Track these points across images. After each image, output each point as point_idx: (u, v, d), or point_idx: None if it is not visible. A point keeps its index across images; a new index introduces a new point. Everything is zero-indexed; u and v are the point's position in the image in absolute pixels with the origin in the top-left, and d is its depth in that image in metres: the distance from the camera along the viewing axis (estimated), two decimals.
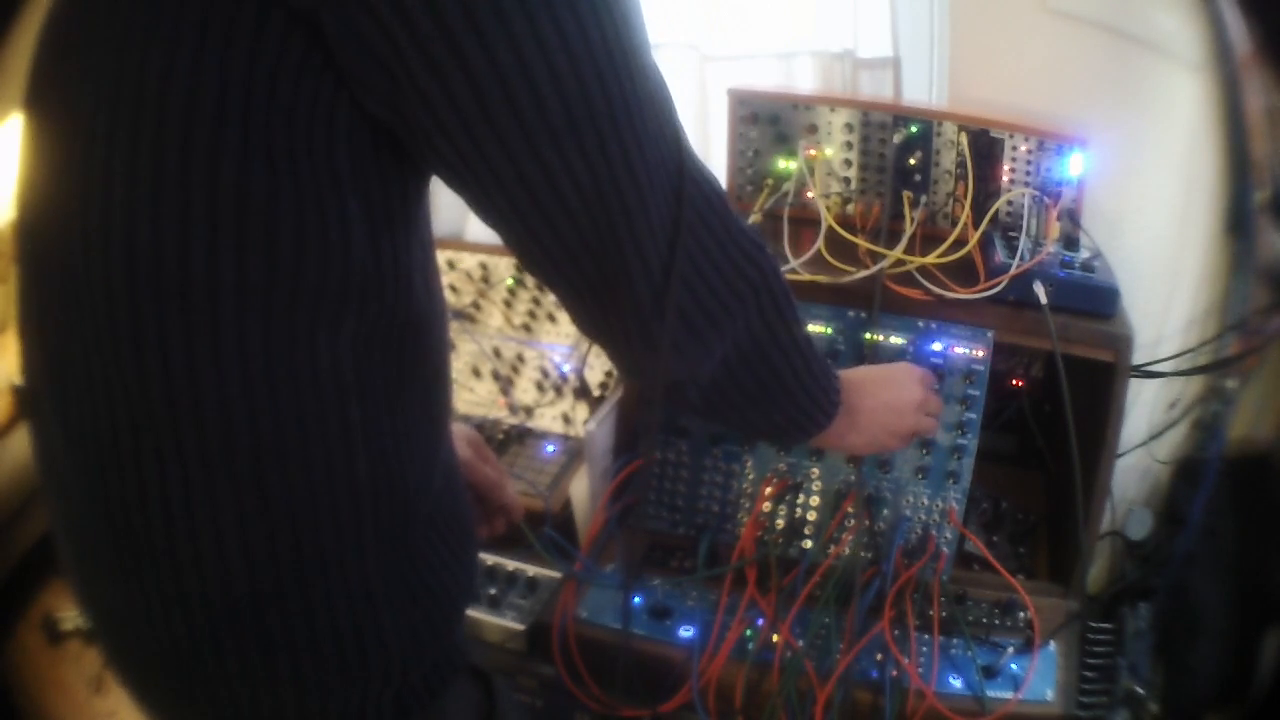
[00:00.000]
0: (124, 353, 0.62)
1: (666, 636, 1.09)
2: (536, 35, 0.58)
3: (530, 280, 1.55)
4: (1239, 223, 1.27)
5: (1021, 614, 1.10)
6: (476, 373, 1.52)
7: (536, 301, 1.54)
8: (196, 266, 0.60)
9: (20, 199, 0.68)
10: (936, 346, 1.18)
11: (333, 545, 0.69)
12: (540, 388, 1.49)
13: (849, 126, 1.30)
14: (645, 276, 0.70)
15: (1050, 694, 1.02)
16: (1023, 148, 1.23)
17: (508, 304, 1.55)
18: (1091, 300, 1.15)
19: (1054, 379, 1.12)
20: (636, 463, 1.22)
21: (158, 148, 0.58)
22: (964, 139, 1.24)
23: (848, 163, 1.32)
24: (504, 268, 1.56)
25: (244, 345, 0.62)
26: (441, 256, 1.56)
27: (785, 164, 1.32)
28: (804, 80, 1.51)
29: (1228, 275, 1.28)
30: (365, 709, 0.73)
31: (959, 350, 1.18)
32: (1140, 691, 1.10)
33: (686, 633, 1.08)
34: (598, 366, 1.46)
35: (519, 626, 1.12)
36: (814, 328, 1.20)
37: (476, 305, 1.56)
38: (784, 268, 1.07)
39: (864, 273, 1.17)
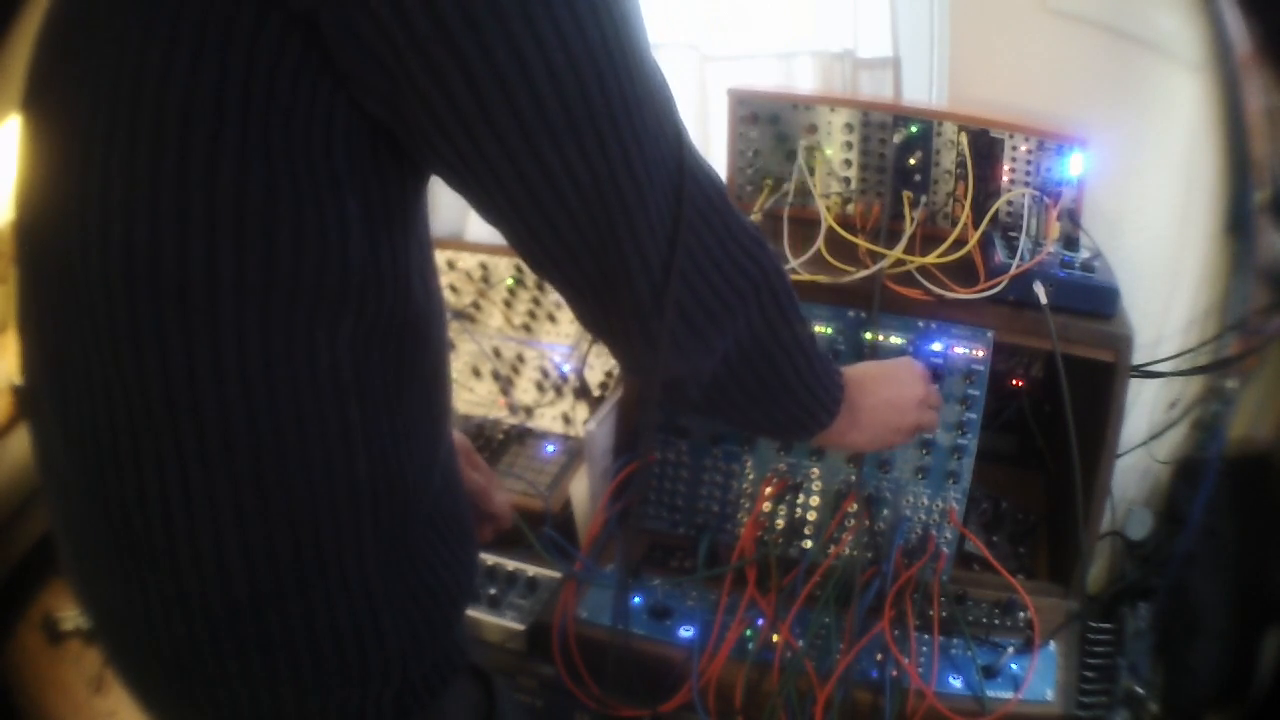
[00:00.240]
0: (123, 352, 0.62)
1: (666, 636, 1.09)
2: (535, 34, 0.58)
3: (530, 280, 1.55)
4: (1239, 223, 1.27)
5: (1021, 614, 1.10)
6: (476, 373, 1.52)
7: (536, 301, 1.54)
8: (195, 266, 0.60)
9: (19, 199, 0.68)
10: (936, 346, 1.18)
11: (332, 545, 0.69)
12: (540, 388, 1.49)
13: (849, 126, 1.30)
14: (645, 274, 0.70)
15: (1050, 694, 1.02)
16: (1023, 148, 1.23)
17: (508, 304, 1.55)
18: (1091, 300, 1.15)
19: (1054, 379, 1.12)
20: (637, 463, 1.22)
21: (156, 148, 0.59)
22: (964, 139, 1.24)
23: (848, 163, 1.32)
24: (504, 268, 1.56)
25: (243, 345, 0.62)
26: (441, 256, 1.56)
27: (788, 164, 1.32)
28: (804, 80, 1.51)
29: (1228, 275, 1.28)
30: (365, 708, 0.73)
31: (959, 350, 1.18)
32: (1140, 691, 1.10)
33: (686, 633, 1.09)
34: (598, 366, 1.46)
35: (519, 626, 1.12)
36: (814, 327, 1.20)
37: (476, 305, 1.56)
38: (784, 268, 1.07)
39: (864, 273, 1.17)
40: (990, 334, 1.17)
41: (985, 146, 1.24)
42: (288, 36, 0.57)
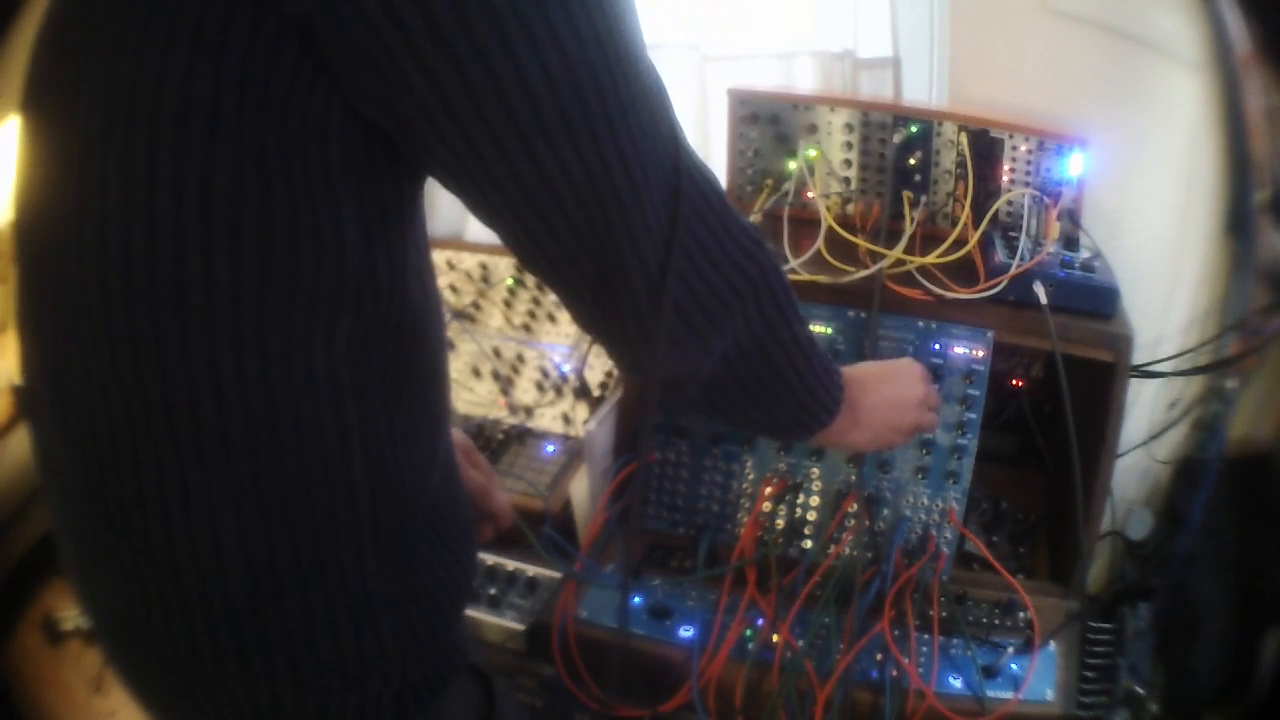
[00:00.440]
0: (120, 354, 0.62)
1: (666, 636, 1.09)
2: (529, 34, 0.58)
3: (530, 280, 1.55)
4: (1239, 223, 1.27)
5: (1021, 614, 1.10)
6: (476, 373, 1.52)
7: (536, 301, 1.54)
8: (191, 268, 0.60)
9: (18, 200, 0.68)
10: (936, 346, 1.18)
11: (331, 546, 0.69)
12: (540, 388, 1.49)
13: (849, 126, 1.30)
14: (642, 274, 0.70)
15: (1050, 694, 1.02)
16: (1023, 148, 1.23)
17: (508, 304, 1.55)
18: (1091, 300, 1.15)
19: (1054, 379, 1.12)
20: (636, 463, 1.22)
21: (152, 150, 0.59)
22: (964, 139, 1.24)
23: (848, 163, 1.32)
24: (504, 268, 1.56)
25: (239, 346, 0.62)
26: (441, 256, 1.56)
27: (788, 164, 1.32)
28: (804, 80, 1.51)
29: (1228, 275, 1.28)
30: (364, 709, 0.73)
31: (959, 350, 1.18)
32: (1140, 691, 1.10)
33: (686, 633, 1.09)
34: (598, 366, 1.46)
35: (519, 626, 1.12)
36: (814, 328, 1.20)
37: (476, 305, 1.56)
38: (784, 268, 1.07)
39: (864, 273, 1.17)
40: (990, 334, 1.17)
41: (985, 146, 1.24)
42: (283, 39, 0.57)
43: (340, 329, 0.65)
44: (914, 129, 1.28)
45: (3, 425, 1.45)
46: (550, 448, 1.42)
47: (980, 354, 1.18)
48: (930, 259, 1.18)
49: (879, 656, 1.04)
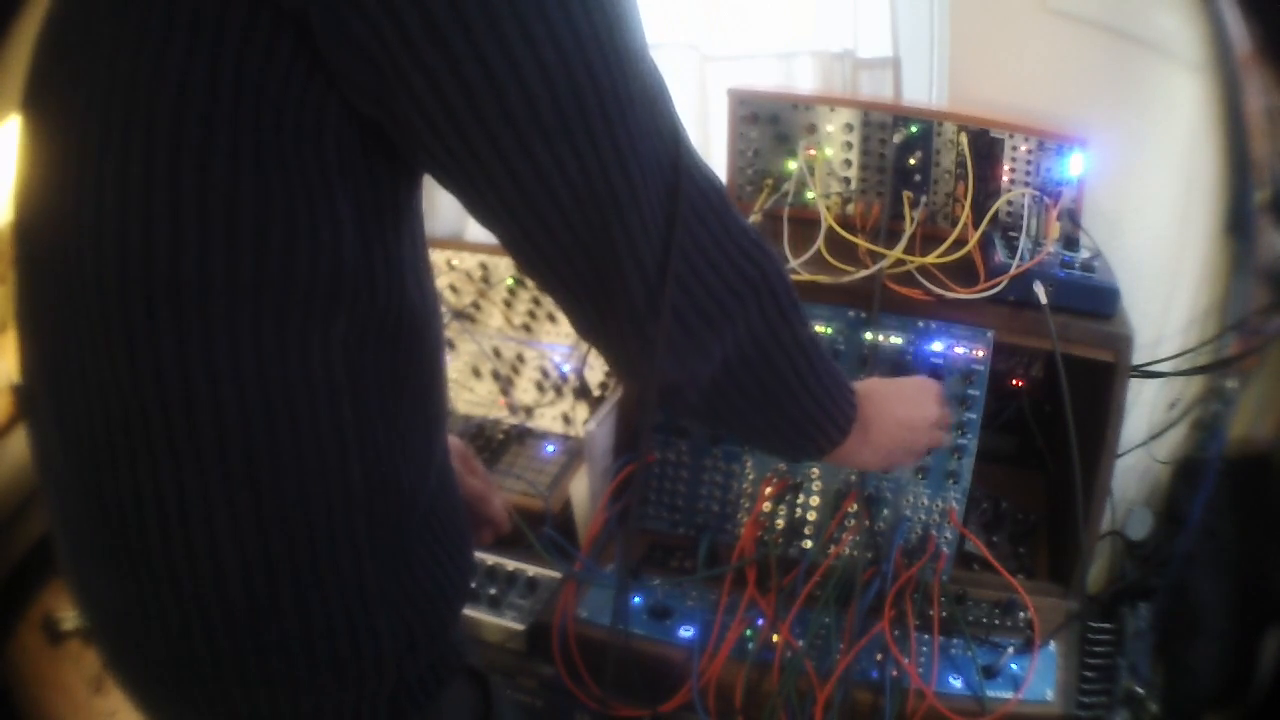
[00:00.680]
0: (117, 353, 0.62)
1: (666, 636, 1.09)
2: (525, 31, 0.58)
3: (530, 280, 1.55)
4: (1239, 223, 1.27)
5: (1021, 614, 1.10)
6: (476, 373, 1.52)
7: (536, 301, 1.54)
8: (187, 266, 0.60)
9: (18, 199, 0.68)
10: (936, 346, 1.18)
11: (327, 546, 0.69)
12: (540, 388, 1.49)
13: (849, 126, 1.30)
14: (639, 275, 0.69)
15: (1050, 694, 1.02)
16: (1023, 148, 1.23)
17: (508, 304, 1.55)
18: (1091, 300, 1.15)
19: (1054, 379, 1.12)
20: (636, 463, 1.21)
21: (148, 148, 0.59)
22: (964, 139, 1.24)
23: (848, 163, 1.32)
24: (504, 268, 1.56)
25: (235, 345, 0.62)
26: (441, 256, 1.56)
27: (788, 164, 1.32)
28: (804, 80, 1.51)
29: (1228, 275, 1.28)
30: (361, 709, 0.73)
31: (959, 350, 1.18)
32: (1140, 691, 1.10)
33: (686, 633, 1.09)
34: (598, 366, 1.46)
35: (519, 626, 1.12)
36: (814, 327, 1.20)
37: (476, 305, 1.56)
38: (785, 270, 1.07)
39: (864, 273, 1.17)
40: (990, 334, 1.17)
41: (985, 146, 1.24)
42: (279, 35, 0.57)
43: (337, 328, 0.65)
44: (914, 129, 1.28)
45: (2, 425, 1.45)
46: (550, 448, 1.42)
47: (980, 354, 1.18)
48: (930, 259, 1.18)
49: (879, 656, 1.04)
